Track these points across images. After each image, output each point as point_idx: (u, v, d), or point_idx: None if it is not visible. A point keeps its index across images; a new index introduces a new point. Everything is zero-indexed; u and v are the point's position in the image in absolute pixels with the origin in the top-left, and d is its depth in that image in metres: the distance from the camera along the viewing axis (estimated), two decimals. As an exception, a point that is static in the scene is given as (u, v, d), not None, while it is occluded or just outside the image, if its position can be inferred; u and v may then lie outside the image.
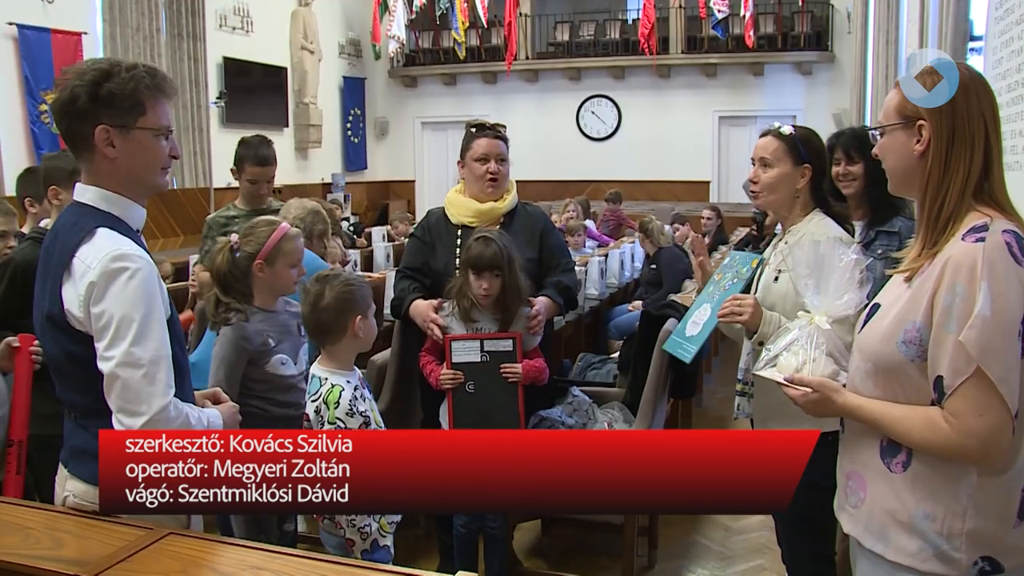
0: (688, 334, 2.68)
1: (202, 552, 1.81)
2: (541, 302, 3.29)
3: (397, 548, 2.70)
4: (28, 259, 3.01)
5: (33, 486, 2.99)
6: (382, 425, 2.60)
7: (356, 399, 2.48)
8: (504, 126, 3.48)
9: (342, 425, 2.42)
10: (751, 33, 14.04)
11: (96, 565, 1.71)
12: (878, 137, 1.88)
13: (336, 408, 2.45)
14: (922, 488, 1.73)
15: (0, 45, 9.34)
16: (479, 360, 3.12)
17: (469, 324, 3.13)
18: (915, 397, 1.73)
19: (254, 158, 4.03)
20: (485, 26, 15.74)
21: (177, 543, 1.83)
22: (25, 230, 3.32)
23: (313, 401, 2.50)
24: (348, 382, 2.52)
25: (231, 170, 4.19)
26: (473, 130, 3.45)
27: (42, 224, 3.24)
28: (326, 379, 2.52)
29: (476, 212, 3.39)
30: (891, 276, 1.86)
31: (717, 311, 2.59)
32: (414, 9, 15.28)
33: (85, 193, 1.96)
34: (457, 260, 3.28)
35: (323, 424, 2.45)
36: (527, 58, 15.95)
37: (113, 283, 1.83)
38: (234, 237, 2.89)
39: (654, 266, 6.88)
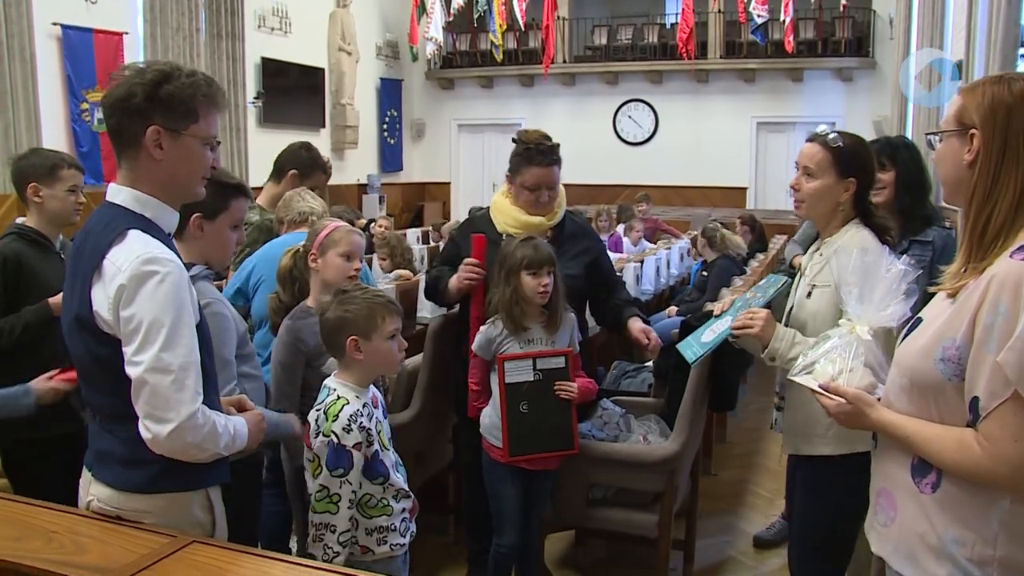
0: (703, 339, 2.68)
1: (225, 562, 1.78)
2: (644, 328, 3.29)
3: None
4: (16, 252, 3.03)
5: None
6: (388, 447, 2.49)
7: (360, 416, 2.37)
8: (557, 144, 3.33)
9: (334, 440, 2.32)
10: (791, 38, 13.89)
11: (118, 572, 1.69)
12: (936, 143, 1.81)
13: (334, 421, 2.34)
14: (951, 511, 1.67)
15: (44, 45, 9.45)
16: (532, 379, 3.06)
17: (521, 334, 3.05)
18: (949, 418, 1.68)
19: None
20: (523, 29, 15.71)
21: (200, 552, 1.80)
22: (30, 223, 3.17)
23: (316, 409, 2.42)
24: (357, 398, 2.41)
25: None
26: (526, 152, 3.30)
27: (18, 221, 3.18)
28: (334, 390, 2.43)
29: (524, 225, 3.30)
30: (934, 291, 1.79)
31: (731, 325, 2.58)
32: (452, 11, 15.28)
33: (118, 194, 1.93)
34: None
35: (318, 434, 2.37)
36: (564, 61, 15.90)
37: (143, 286, 1.80)
38: (302, 245, 3.04)
39: (705, 273, 6.85)
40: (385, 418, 2.56)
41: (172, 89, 1.87)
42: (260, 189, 4.32)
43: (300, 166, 4.18)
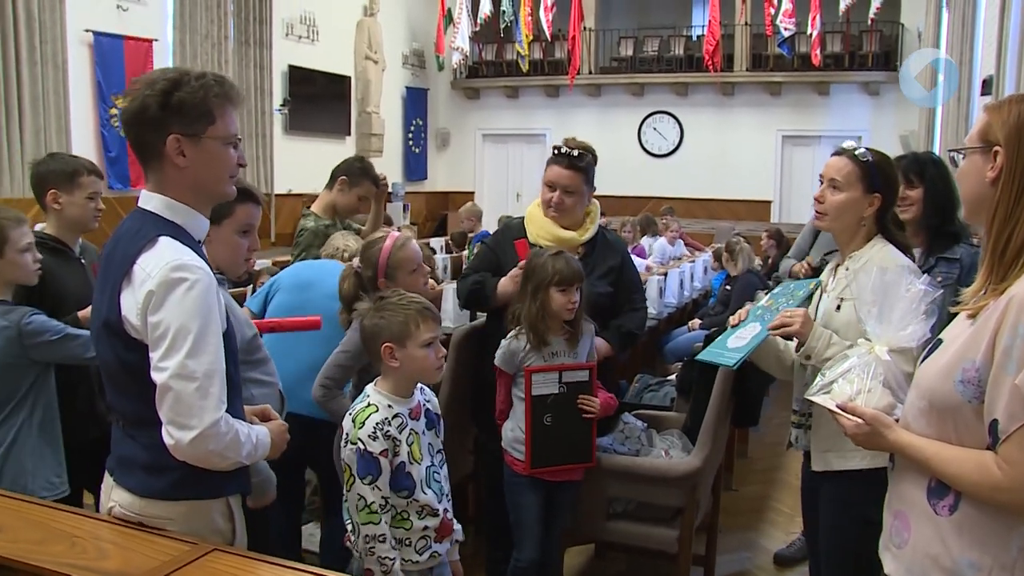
0: (731, 347, 2.61)
1: (245, 570, 1.78)
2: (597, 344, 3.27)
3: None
4: (46, 265, 2.93)
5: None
6: (423, 462, 2.43)
7: (387, 424, 2.35)
8: (587, 153, 3.36)
9: (361, 446, 2.31)
10: (817, 51, 13.83)
11: (139, 579, 1.69)
12: (959, 160, 1.79)
13: (360, 428, 2.33)
14: (969, 535, 1.64)
15: (76, 51, 9.58)
16: (557, 392, 3.06)
17: (544, 348, 3.04)
18: (969, 440, 1.65)
19: None
20: (549, 40, 15.73)
21: (221, 560, 1.80)
22: (49, 230, 3.11)
23: (349, 414, 2.42)
24: (389, 407, 2.38)
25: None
26: (554, 152, 3.36)
27: (37, 228, 3.08)
28: (367, 396, 2.42)
29: (556, 239, 3.30)
30: (956, 311, 1.77)
31: (768, 325, 2.53)
32: (479, 21, 15.34)
33: (150, 201, 1.94)
34: None
35: (347, 442, 2.36)
36: (590, 72, 15.91)
37: (172, 293, 1.81)
38: (355, 262, 2.98)
39: (729, 287, 6.83)
40: (430, 429, 2.51)
41: (184, 95, 1.87)
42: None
43: (349, 174, 4.31)
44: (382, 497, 2.33)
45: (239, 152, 2.00)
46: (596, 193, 3.47)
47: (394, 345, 2.39)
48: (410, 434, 2.41)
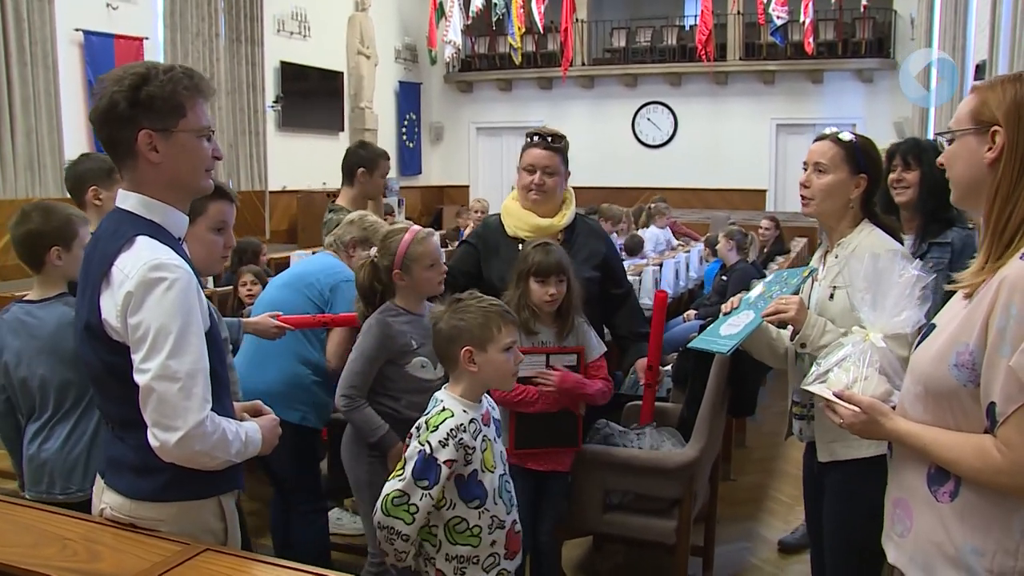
0: (723, 334, 2.59)
1: (238, 570, 1.78)
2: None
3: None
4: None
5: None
6: (496, 470, 2.34)
7: (462, 431, 2.24)
8: (562, 136, 3.40)
9: (427, 450, 2.20)
10: (810, 40, 13.82)
11: (131, 581, 1.68)
12: (946, 144, 1.77)
13: (432, 432, 2.22)
14: (971, 520, 1.63)
15: (67, 50, 9.56)
16: None
17: (531, 337, 3.05)
18: (967, 425, 1.63)
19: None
20: (541, 32, 15.70)
21: (213, 560, 1.79)
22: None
23: (425, 417, 2.32)
24: (464, 412, 2.28)
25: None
26: (529, 139, 3.41)
27: None
28: (441, 401, 2.33)
29: (534, 227, 3.34)
30: (950, 293, 1.76)
31: (762, 312, 2.51)
32: (470, 14, 15.31)
33: (127, 200, 1.92)
34: None
35: (415, 441, 2.26)
36: (583, 64, 15.89)
37: (150, 293, 1.78)
38: (373, 251, 3.00)
39: (725, 277, 6.78)
40: (499, 437, 2.43)
41: (152, 89, 1.84)
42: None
43: (364, 163, 4.38)
44: (430, 506, 2.23)
45: (213, 144, 1.97)
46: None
47: (474, 349, 2.31)
48: (483, 440, 2.32)
